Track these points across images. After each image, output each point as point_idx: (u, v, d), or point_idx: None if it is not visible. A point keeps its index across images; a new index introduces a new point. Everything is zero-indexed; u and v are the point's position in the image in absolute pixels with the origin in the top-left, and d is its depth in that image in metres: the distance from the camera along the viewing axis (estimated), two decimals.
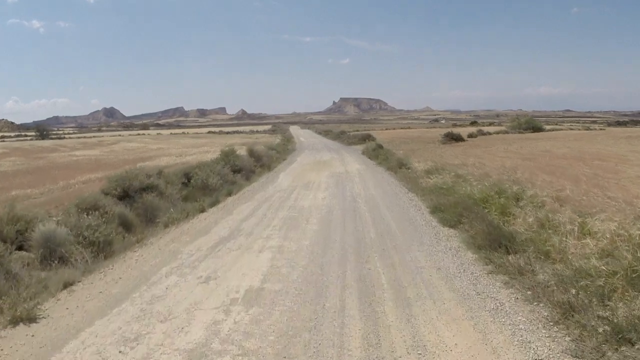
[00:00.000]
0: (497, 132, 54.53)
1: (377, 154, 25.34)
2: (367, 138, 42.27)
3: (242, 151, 23.30)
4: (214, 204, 11.88)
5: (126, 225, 10.14)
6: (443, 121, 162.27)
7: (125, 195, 11.86)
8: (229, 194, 13.76)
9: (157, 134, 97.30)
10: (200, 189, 14.71)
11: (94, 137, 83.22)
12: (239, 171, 18.49)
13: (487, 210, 9.09)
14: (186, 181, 15.03)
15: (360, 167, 19.62)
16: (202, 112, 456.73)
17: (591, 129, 65.26)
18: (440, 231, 8.25)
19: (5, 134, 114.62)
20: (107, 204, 10.71)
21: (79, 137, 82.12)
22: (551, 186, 11.95)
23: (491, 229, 7.38)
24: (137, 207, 11.36)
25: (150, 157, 31.89)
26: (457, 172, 15.09)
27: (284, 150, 34.61)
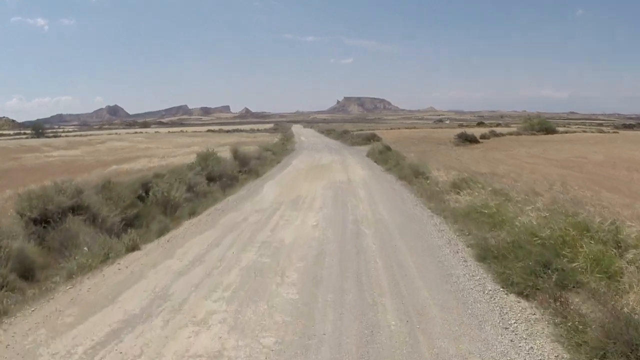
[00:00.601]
0: (510, 134, 51.86)
1: (385, 157, 21.85)
2: (371, 138, 38.81)
3: (227, 153, 19.92)
4: (161, 232, 8.47)
5: (28, 269, 6.81)
6: (447, 121, 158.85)
7: (44, 219, 8.54)
8: (193, 213, 10.37)
9: (155, 132, 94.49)
10: (160, 204, 11.34)
11: (90, 135, 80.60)
12: (219, 178, 15.09)
13: (573, 264, 5.63)
14: (144, 194, 11.66)
15: (365, 175, 16.13)
16: (206, 111, 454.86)
17: (604, 132, 62.87)
18: (506, 306, 4.78)
19: (5, 132, 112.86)
20: (6, 234, 7.40)
21: (74, 136, 79.83)
22: (632, 212, 8.49)
23: (618, 325, 3.90)
24: (53, 238, 8.03)
25: (131, 158, 28.66)
26: (491, 185, 11.61)
27: (281, 150, 31.21)
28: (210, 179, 14.84)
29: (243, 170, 18.01)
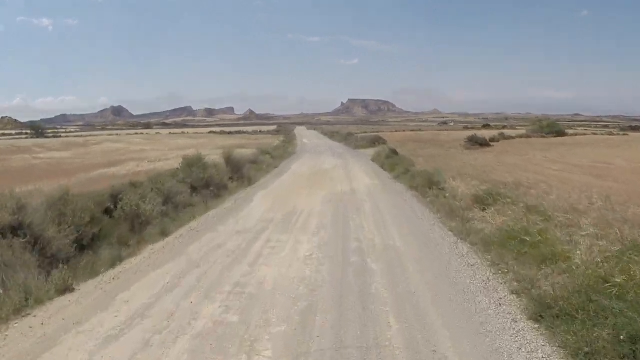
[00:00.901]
0: (519, 136, 50.60)
1: (392, 162, 20.02)
2: (377, 141, 36.97)
3: (219, 157, 18.14)
4: (113, 262, 6.70)
5: None
6: (452, 124, 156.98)
7: None
8: (163, 233, 8.60)
9: (156, 133, 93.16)
10: (129, 220, 9.61)
11: (90, 135, 79.42)
12: (205, 187, 13.32)
13: None
14: (113, 207, 9.94)
15: (371, 184, 14.30)
16: (210, 112, 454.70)
17: (614, 135, 62.02)
18: None
19: (7, 131, 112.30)
20: None
21: (74, 136, 78.82)
22: None
23: None
24: None
25: (121, 161, 27.03)
26: (522, 199, 9.76)
27: (281, 154, 29.45)
28: (195, 187, 13.09)
29: (235, 177, 16.24)
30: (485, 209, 9.27)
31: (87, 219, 8.62)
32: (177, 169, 14.61)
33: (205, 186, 13.45)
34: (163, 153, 32.12)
